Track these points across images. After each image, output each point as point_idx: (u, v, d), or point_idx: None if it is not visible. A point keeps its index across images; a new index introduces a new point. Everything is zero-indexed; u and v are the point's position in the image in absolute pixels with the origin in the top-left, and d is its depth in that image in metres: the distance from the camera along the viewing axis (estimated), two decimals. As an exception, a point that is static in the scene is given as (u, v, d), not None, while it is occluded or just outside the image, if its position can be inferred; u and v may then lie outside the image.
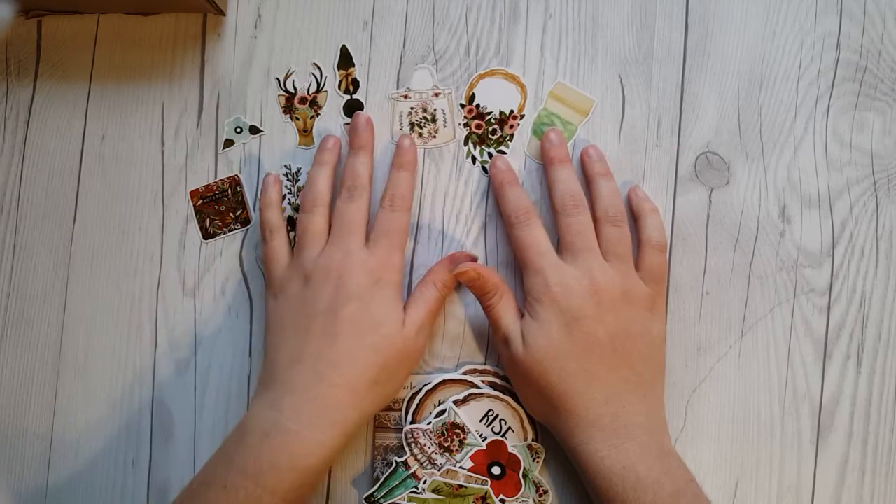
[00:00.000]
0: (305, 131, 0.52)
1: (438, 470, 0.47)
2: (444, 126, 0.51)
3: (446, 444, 0.47)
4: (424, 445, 0.47)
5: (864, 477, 0.48)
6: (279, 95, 0.52)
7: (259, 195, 0.51)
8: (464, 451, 0.47)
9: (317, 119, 0.52)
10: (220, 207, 0.52)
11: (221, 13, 0.52)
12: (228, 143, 0.52)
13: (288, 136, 0.52)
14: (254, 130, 0.52)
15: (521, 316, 0.46)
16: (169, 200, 0.52)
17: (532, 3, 0.51)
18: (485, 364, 0.50)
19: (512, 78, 0.51)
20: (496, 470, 0.47)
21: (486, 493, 0.47)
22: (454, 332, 0.50)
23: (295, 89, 0.52)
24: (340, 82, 0.52)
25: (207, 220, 0.52)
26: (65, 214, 0.52)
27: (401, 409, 0.49)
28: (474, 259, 0.50)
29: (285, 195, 0.51)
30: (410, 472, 0.47)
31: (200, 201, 0.52)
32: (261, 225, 0.50)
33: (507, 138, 0.51)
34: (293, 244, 0.50)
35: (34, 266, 0.52)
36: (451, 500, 0.47)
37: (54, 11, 0.53)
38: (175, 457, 0.50)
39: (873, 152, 0.50)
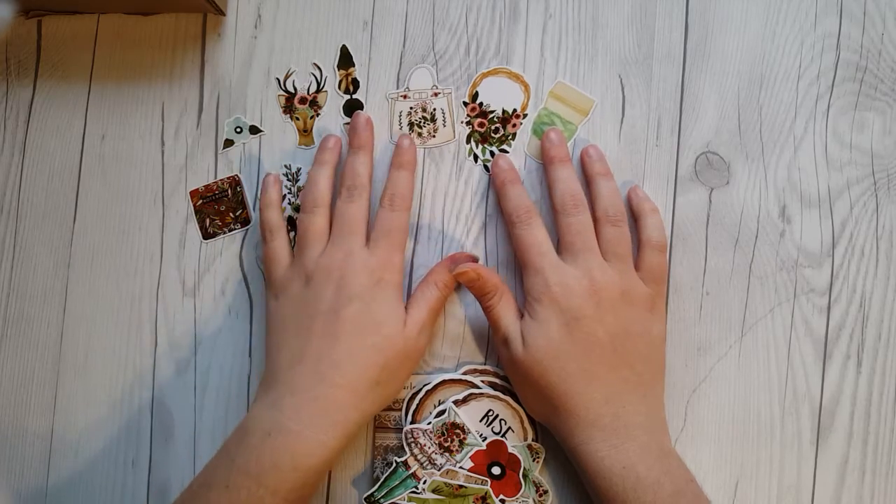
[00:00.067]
0: (305, 131, 0.52)
1: (438, 470, 0.47)
2: (444, 126, 0.51)
3: (446, 444, 0.47)
4: (424, 445, 0.47)
5: (864, 477, 0.48)
6: (279, 95, 0.52)
7: (259, 195, 0.51)
8: (464, 451, 0.47)
9: (317, 119, 0.52)
10: (220, 207, 0.52)
11: (221, 13, 0.52)
12: (228, 143, 0.52)
13: (288, 136, 0.52)
14: (254, 130, 0.52)
15: (521, 316, 0.46)
16: (169, 200, 0.52)
17: (532, 3, 0.51)
18: (485, 364, 0.50)
19: (515, 77, 0.51)
20: (496, 470, 0.47)
21: (486, 493, 0.47)
22: (454, 332, 0.50)
23: (295, 89, 0.52)
24: (340, 82, 0.52)
25: (207, 220, 0.52)
26: (65, 214, 0.52)
27: (401, 409, 0.49)
28: (475, 259, 0.50)
29: (285, 195, 0.51)
30: (410, 472, 0.47)
31: (200, 201, 0.52)
32: (261, 225, 0.50)
33: (510, 137, 0.51)
34: (293, 244, 0.50)
35: (34, 266, 0.52)
36: (451, 500, 0.47)
37: (54, 11, 0.53)
38: (175, 457, 0.50)
39: (873, 152, 0.50)
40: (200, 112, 0.52)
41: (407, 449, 0.47)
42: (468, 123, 0.51)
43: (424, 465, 0.47)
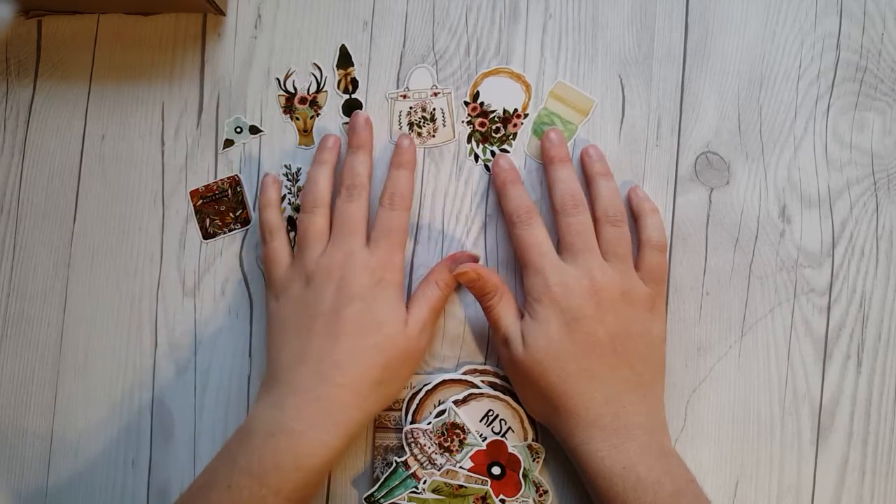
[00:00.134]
0: (305, 131, 0.52)
1: (438, 470, 0.47)
2: (443, 125, 0.51)
3: (446, 444, 0.47)
4: (424, 445, 0.47)
5: (864, 477, 0.48)
6: (279, 95, 0.52)
7: (258, 195, 0.51)
8: (464, 451, 0.47)
9: (317, 119, 0.52)
10: (220, 207, 0.52)
11: (221, 13, 0.52)
12: (228, 143, 0.52)
13: (288, 136, 0.52)
14: (254, 130, 0.52)
15: (521, 316, 0.46)
16: (169, 200, 0.52)
17: (532, 3, 0.51)
18: (485, 364, 0.50)
19: (517, 77, 0.51)
20: (496, 470, 0.47)
21: (486, 493, 0.47)
22: (454, 332, 0.50)
23: (295, 89, 0.52)
24: (339, 82, 0.52)
25: (207, 220, 0.52)
26: (65, 214, 0.52)
27: (401, 409, 0.49)
28: (475, 259, 0.50)
29: (285, 195, 0.51)
30: (410, 472, 0.47)
31: (200, 201, 0.52)
32: (260, 226, 0.50)
33: (511, 137, 0.51)
34: (293, 244, 0.50)
35: (34, 266, 0.52)
36: (451, 500, 0.47)
37: (54, 11, 0.53)
38: (175, 457, 0.50)
39: (873, 152, 0.50)
40: (200, 112, 0.52)
41: (407, 449, 0.47)
42: (469, 123, 0.51)
43: (424, 465, 0.47)
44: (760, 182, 0.50)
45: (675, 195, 0.50)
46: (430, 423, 0.48)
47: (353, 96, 0.52)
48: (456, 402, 0.48)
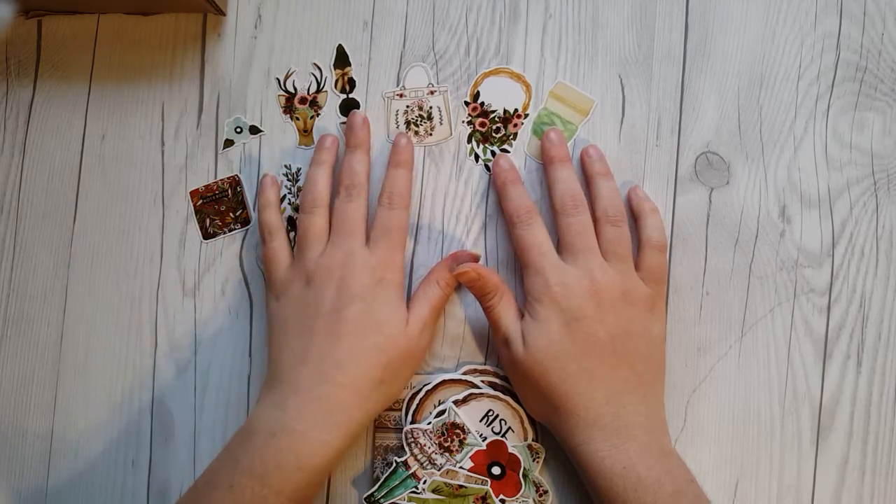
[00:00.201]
0: (305, 131, 0.52)
1: (438, 470, 0.47)
2: (441, 123, 0.51)
3: (446, 444, 0.47)
4: (424, 445, 0.47)
5: (864, 477, 0.48)
6: (279, 95, 0.52)
7: (257, 196, 0.51)
8: (464, 451, 0.47)
9: (317, 119, 0.52)
10: (220, 207, 0.52)
11: (221, 13, 0.52)
12: (228, 143, 0.52)
13: (288, 136, 0.52)
14: (254, 130, 0.52)
15: (521, 316, 0.46)
16: (169, 200, 0.52)
17: (532, 3, 0.51)
18: (485, 364, 0.50)
19: (517, 77, 0.51)
20: (496, 470, 0.47)
21: (486, 493, 0.47)
22: (454, 332, 0.50)
23: (295, 89, 0.52)
24: (337, 81, 0.52)
25: (207, 220, 0.52)
26: (65, 214, 0.52)
27: (401, 409, 0.49)
28: (476, 258, 0.50)
29: (285, 195, 0.51)
30: (410, 472, 0.47)
31: (200, 201, 0.52)
32: (259, 227, 0.50)
33: (511, 137, 0.51)
34: (293, 244, 0.50)
35: (34, 266, 0.52)
36: (451, 500, 0.47)
37: (54, 11, 0.53)
38: (175, 457, 0.50)
39: (873, 152, 0.50)
40: (200, 112, 0.52)
41: (407, 449, 0.47)
42: (469, 123, 0.51)
43: (424, 465, 0.47)
44: (760, 182, 0.50)
45: (675, 195, 0.50)
46: (430, 423, 0.48)
47: (352, 96, 0.52)
48: (456, 402, 0.48)
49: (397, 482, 0.47)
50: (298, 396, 0.44)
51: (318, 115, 0.52)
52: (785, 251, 0.50)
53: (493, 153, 0.51)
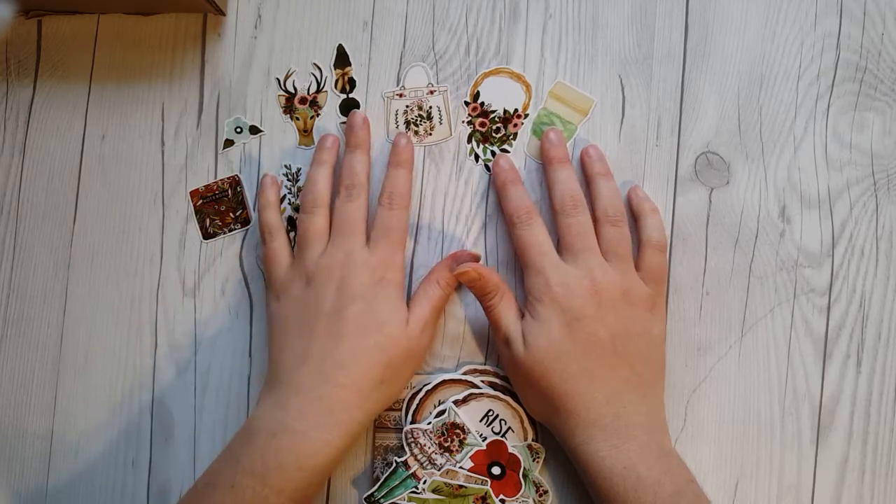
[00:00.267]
0: (305, 131, 0.52)
1: (438, 470, 0.47)
2: (440, 123, 0.51)
3: (446, 444, 0.47)
4: (424, 445, 0.47)
5: (864, 477, 0.48)
6: (279, 95, 0.52)
7: (257, 196, 0.51)
8: (464, 451, 0.47)
9: (317, 119, 0.52)
10: (220, 207, 0.52)
11: (221, 13, 0.52)
12: (228, 143, 0.52)
13: (288, 136, 0.52)
14: (254, 130, 0.52)
15: (522, 316, 0.46)
16: (169, 200, 0.52)
17: (532, 3, 0.51)
18: (485, 364, 0.50)
19: (517, 77, 0.51)
20: (496, 470, 0.47)
21: (486, 493, 0.47)
22: (454, 332, 0.50)
23: (295, 89, 0.52)
24: (337, 81, 0.52)
25: (207, 220, 0.52)
26: (65, 214, 0.52)
27: (401, 409, 0.49)
28: (477, 258, 0.50)
29: (285, 195, 0.51)
30: (410, 472, 0.47)
31: (200, 201, 0.52)
32: (259, 227, 0.50)
33: (511, 137, 0.51)
34: (293, 244, 0.50)
35: (34, 266, 0.52)
36: (451, 500, 0.47)
37: (54, 11, 0.53)
38: (175, 457, 0.50)
39: (873, 152, 0.50)
40: (200, 112, 0.52)
41: (407, 449, 0.47)
42: (469, 123, 0.51)
43: (424, 465, 0.47)
44: (760, 182, 0.50)
45: (675, 195, 0.50)
46: (430, 423, 0.48)
47: (352, 96, 0.52)
48: (456, 402, 0.48)
49: (397, 482, 0.47)
50: (299, 396, 0.44)
51: (318, 115, 0.52)
52: (785, 251, 0.50)
53: (494, 153, 0.51)
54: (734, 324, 0.49)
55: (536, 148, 0.51)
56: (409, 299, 0.48)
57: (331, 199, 0.49)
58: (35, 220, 0.52)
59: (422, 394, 0.49)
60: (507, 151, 0.51)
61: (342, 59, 0.52)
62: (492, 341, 0.50)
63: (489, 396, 0.48)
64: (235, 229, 0.52)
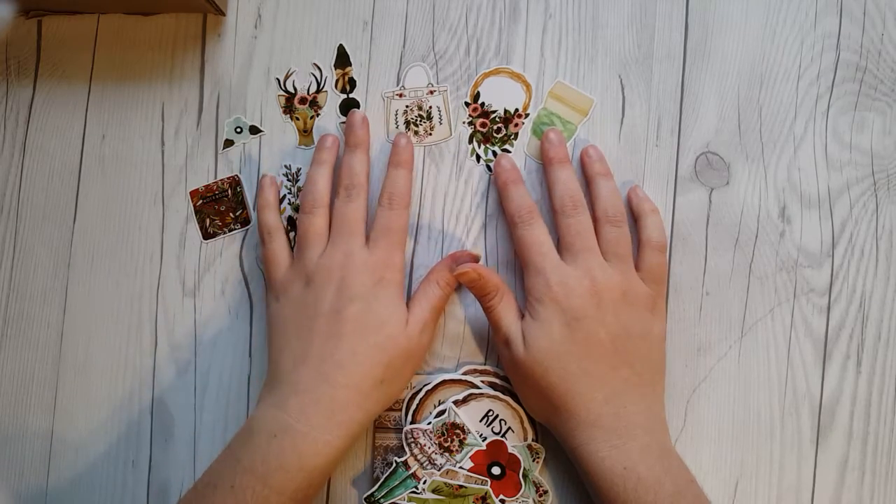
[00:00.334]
0: (305, 131, 0.52)
1: (438, 470, 0.47)
2: (440, 123, 0.51)
3: (446, 444, 0.47)
4: (424, 445, 0.47)
5: (864, 477, 0.48)
6: (279, 95, 0.52)
7: (256, 197, 0.51)
8: (464, 451, 0.47)
9: (317, 119, 0.52)
10: (220, 207, 0.52)
11: (221, 13, 0.52)
12: (228, 143, 0.52)
13: (288, 136, 0.52)
14: (254, 130, 0.52)
15: (522, 316, 0.46)
16: (169, 200, 0.52)
17: (532, 3, 0.51)
18: (485, 364, 0.50)
19: (517, 77, 0.51)
20: (496, 470, 0.47)
21: (486, 494, 0.47)
22: (454, 332, 0.50)
23: (295, 89, 0.52)
24: (337, 81, 0.52)
25: (207, 220, 0.52)
26: (65, 214, 0.52)
27: (401, 409, 0.49)
28: (476, 258, 0.50)
29: (285, 195, 0.51)
30: (410, 472, 0.47)
31: (200, 201, 0.52)
32: (259, 227, 0.50)
33: (512, 137, 0.51)
34: (293, 244, 0.50)
35: (34, 266, 0.52)
36: (451, 500, 0.47)
37: (54, 11, 0.53)
38: (175, 457, 0.50)
39: (873, 152, 0.50)
40: (200, 112, 0.52)
41: (407, 449, 0.47)
42: (470, 123, 0.51)
43: (424, 465, 0.47)
44: (760, 182, 0.50)
45: (675, 195, 0.50)
46: (430, 423, 0.48)
47: (352, 96, 0.52)
48: (456, 402, 0.48)
49: (397, 482, 0.47)
50: (299, 397, 0.44)
51: (318, 115, 0.52)
52: (785, 251, 0.50)
53: (495, 153, 0.51)
54: (734, 324, 0.49)
55: (536, 148, 0.51)
56: (409, 299, 0.48)
57: (331, 199, 0.49)
58: (35, 220, 0.52)
59: (422, 394, 0.49)
60: (509, 151, 0.51)
61: (342, 59, 0.52)
62: (492, 341, 0.50)
63: (489, 396, 0.48)
64: (235, 229, 0.52)
